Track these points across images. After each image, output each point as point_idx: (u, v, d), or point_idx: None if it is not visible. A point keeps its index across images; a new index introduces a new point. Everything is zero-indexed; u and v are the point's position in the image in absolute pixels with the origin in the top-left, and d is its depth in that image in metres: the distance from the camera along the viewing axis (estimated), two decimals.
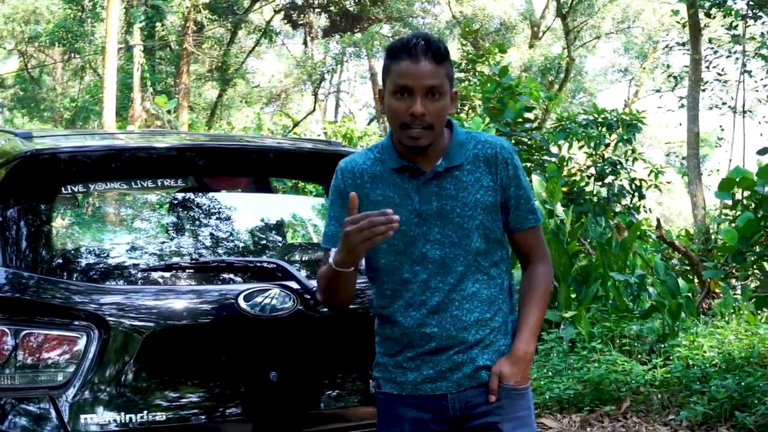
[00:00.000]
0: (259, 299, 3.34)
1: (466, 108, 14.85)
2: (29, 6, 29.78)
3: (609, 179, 13.75)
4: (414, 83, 2.66)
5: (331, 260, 2.66)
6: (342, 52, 31.54)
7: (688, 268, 10.79)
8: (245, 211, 3.96)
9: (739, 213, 9.74)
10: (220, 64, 28.71)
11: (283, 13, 30.72)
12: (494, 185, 2.80)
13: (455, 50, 28.37)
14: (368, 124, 30.26)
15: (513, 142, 12.13)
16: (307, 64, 31.91)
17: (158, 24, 25.39)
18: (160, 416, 3.17)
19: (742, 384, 6.37)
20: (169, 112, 19.04)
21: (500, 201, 2.83)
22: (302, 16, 31.09)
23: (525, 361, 2.81)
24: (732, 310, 8.50)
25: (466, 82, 14.62)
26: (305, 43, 33.23)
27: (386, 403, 2.87)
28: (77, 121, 31.33)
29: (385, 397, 2.88)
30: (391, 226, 2.49)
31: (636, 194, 13.94)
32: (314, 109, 33.52)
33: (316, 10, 30.69)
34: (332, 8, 28.92)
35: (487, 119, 12.39)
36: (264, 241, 4.00)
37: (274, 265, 3.49)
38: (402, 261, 2.78)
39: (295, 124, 27.55)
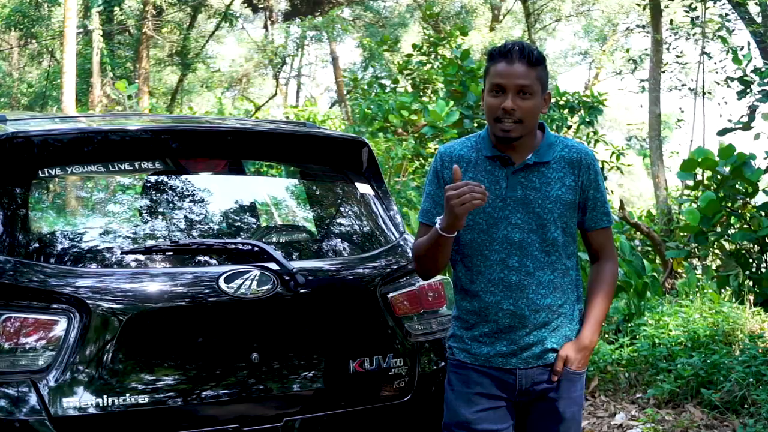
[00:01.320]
0: (239, 281, 3.35)
1: (429, 91, 14.85)
2: None
3: None
4: (506, 82, 2.99)
5: (437, 226, 2.95)
6: (303, 36, 31.40)
7: (650, 248, 10.92)
8: (222, 193, 3.95)
9: (700, 193, 9.86)
10: (180, 49, 28.44)
11: None
12: (575, 186, 3.11)
13: (416, 33, 28.35)
14: (330, 108, 30.20)
15: (475, 125, 12.16)
16: (268, 49, 31.71)
17: (116, 8, 25.09)
18: (142, 399, 3.17)
19: (708, 361, 6.47)
20: (129, 97, 18.90)
21: (579, 201, 3.13)
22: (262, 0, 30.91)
23: (588, 349, 3.14)
24: (696, 290, 8.62)
25: (428, 66, 14.60)
26: (266, 27, 33.02)
27: (458, 368, 3.18)
28: (35, 107, 30.93)
29: (458, 363, 3.18)
30: (485, 194, 2.85)
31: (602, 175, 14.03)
32: (276, 94, 33.33)
33: None
34: None
35: (451, 102, 12.41)
36: (242, 223, 4.00)
37: (254, 247, 3.50)
38: (483, 239, 3.09)
39: (257, 109, 27.36)
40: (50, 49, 29.65)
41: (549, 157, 3.10)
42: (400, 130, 12.70)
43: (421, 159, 12.49)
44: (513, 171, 3.08)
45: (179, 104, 29.65)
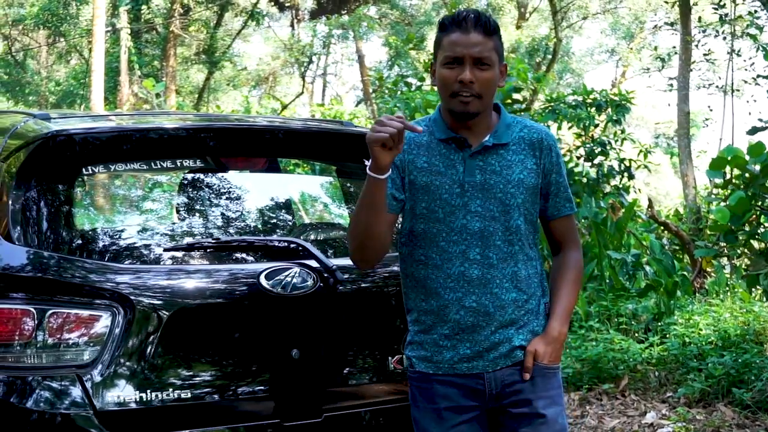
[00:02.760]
0: (280, 278, 3.38)
1: None
2: None
3: (598, 160, 13.79)
4: (463, 52, 2.78)
5: (368, 169, 2.72)
6: (329, 35, 31.46)
7: (678, 247, 10.87)
8: (260, 191, 3.99)
9: (730, 192, 9.80)
10: (206, 47, 28.56)
11: None
12: (537, 169, 2.91)
13: None
14: (356, 106, 30.23)
15: None
16: (295, 47, 31.79)
17: (144, 7, 25.23)
18: (185, 393, 3.21)
19: (739, 361, 6.46)
20: (157, 95, 19.00)
21: (540, 185, 2.94)
22: None
23: (558, 341, 2.92)
24: (726, 289, 8.59)
25: None
26: (292, 25, 33.10)
27: (420, 381, 2.93)
28: (63, 105, 31.16)
29: (419, 376, 2.94)
30: (399, 119, 2.63)
31: (625, 174, 13.99)
32: (302, 92, 33.42)
33: None
34: None
35: None
36: (280, 221, 4.04)
37: (295, 244, 3.53)
38: (440, 229, 2.87)
39: (284, 107, 27.45)
40: (78, 48, 29.84)
41: (508, 138, 2.90)
42: None
43: None
44: (470, 154, 2.86)
45: (206, 103, 29.79)
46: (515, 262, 2.89)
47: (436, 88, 2.94)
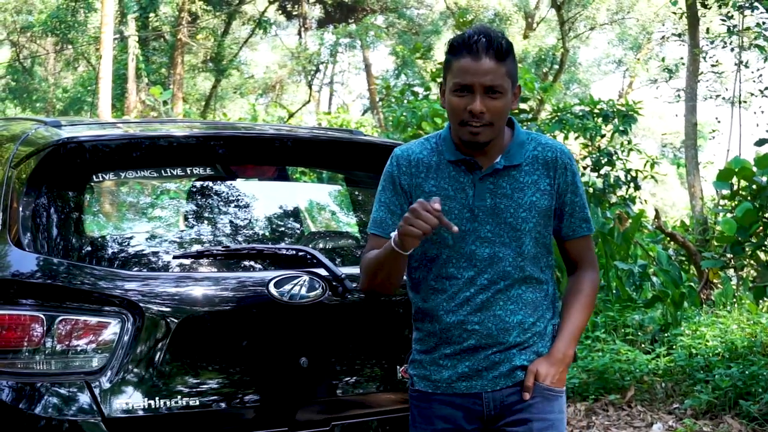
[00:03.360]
0: (288, 286, 3.38)
1: None
2: None
3: (605, 170, 13.79)
4: (474, 81, 2.65)
5: (392, 239, 2.63)
6: (336, 43, 31.52)
7: (685, 258, 10.86)
8: (268, 199, 4.00)
9: (737, 203, 9.80)
10: (214, 55, 28.64)
11: (277, 3, 30.66)
12: (551, 189, 2.80)
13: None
14: (362, 115, 30.28)
15: None
16: (302, 55, 31.85)
17: (152, 14, 25.31)
18: (193, 401, 3.21)
19: (746, 373, 6.44)
20: (164, 103, 19.01)
21: (555, 206, 2.83)
22: (296, 6, 31.02)
23: (563, 363, 2.80)
24: (733, 300, 8.57)
25: None
26: (299, 34, 33.18)
27: (419, 400, 2.87)
28: (70, 111, 31.24)
29: (418, 395, 2.88)
30: (436, 214, 2.51)
31: (632, 185, 13.99)
32: (309, 101, 33.48)
33: (311, 1, 30.65)
34: None
35: None
36: (288, 229, 4.04)
37: (303, 253, 3.54)
38: (450, 255, 2.77)
39: (290, 115, 27.54)
40: (86, 55, 29.93)
41: (520, 159, 2.77)
42: None
43: None
44: (480, 177, 2.75)
45: (212, 110, 29.85)
46: (523, 287, 2.79)
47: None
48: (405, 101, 14.45)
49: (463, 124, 2.69)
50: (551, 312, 2.87)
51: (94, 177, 3.51)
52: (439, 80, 15.00)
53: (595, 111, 13.70)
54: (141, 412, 3.14)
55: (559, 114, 13.82)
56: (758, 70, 13.55)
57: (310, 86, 34.22)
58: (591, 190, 13.28)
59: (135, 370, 3.16)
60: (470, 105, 2.66)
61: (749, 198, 9.54)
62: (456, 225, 2.66)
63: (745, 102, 14.91)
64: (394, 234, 2.64)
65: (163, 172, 3.60)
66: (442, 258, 2.79)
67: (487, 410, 2.79)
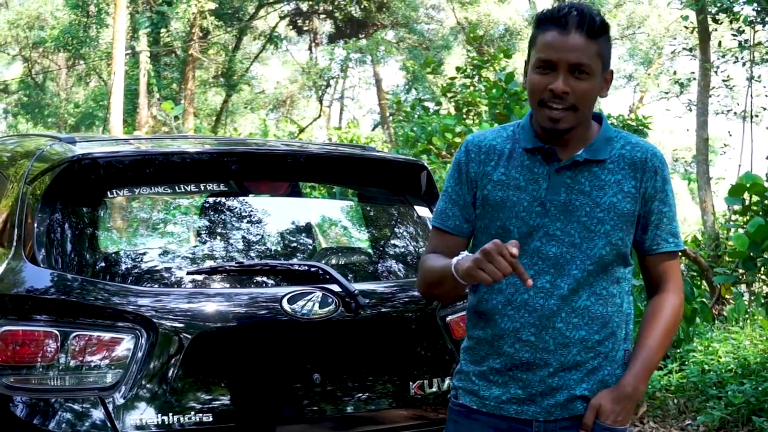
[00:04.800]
0: (302, 302, 3.39)
1: (472, 114, 14.89)
2: (33, 12, 29.85)
3: None
4: (559, 57, 2.35)
5: (453, 268, 2.33)
6: (347, 58, 31.61)
7: (696, 274, 10.83)
8: (283, 214, 4.01)
9: (748, 218, 9.78)
10: (225, 70, 28.75)
11: (288, 19, 30.78)
12: (636, 193, 2.47)
13: (459, 56, 28.39)
14: (373, 130, 30.33)
15: None
16: (312, 71, 31.96)
17: (163, 30, 25.43)
18: (206, 417, 3.21)
19: (759, 389, 6.41)
20: (176, 118, 19.09)
21: (639, 213, 2.49)
22: (307, 22, 31.16)
23: (632, 399, 2.43)
24: (745, 316, 8.54)
25: (472, 88, 14.65)
26: (310, 49, 33.31)
27: (461, 415, 2.56)
28: (82, 127, 31.37)
29: (461, 410, 2.57)
30: (511, 260, 2.18)
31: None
32: (319, 116, 33.58)
33: (321, 16, 30.76)
34: (337, 14, 28.98)
35: (495, 125, 12.43)
36: (301, 245, 4.05)
37: (316, 269, 3.54)
38: None
39: (301, 130, 27.59)
40: (98, 70, 30.08)
41: (605, 155, 2.46)
42: (443, 153, 12.74)
43: None
44: (557, 169, 2.45)
45: (223, 125, 29.95)
46: (592, 296, 2.45)
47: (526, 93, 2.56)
48: (415, 116, 14.48)
49: (542, 104, 2.39)
50: (623, 331, 2.52)
51: (108, 193, 3.52)
52: (450, 94, 14.94)
53: None
54: (154, 428, 3.14)
55: None
56: None
57: (320, 101, 34.33)
58: None
59: (148, 385, 3.17)
60: (552, 83, 2.36)
61: (761, 213, 9.53)
62: (524, 217, 2.45)
63: (756, 117, 14.91)
64: (456, 261, 2.33)
65: (176, 188, 3.62)
66: None
67: None
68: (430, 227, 2.68)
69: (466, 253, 2.36)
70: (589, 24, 2.35)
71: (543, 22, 2.41)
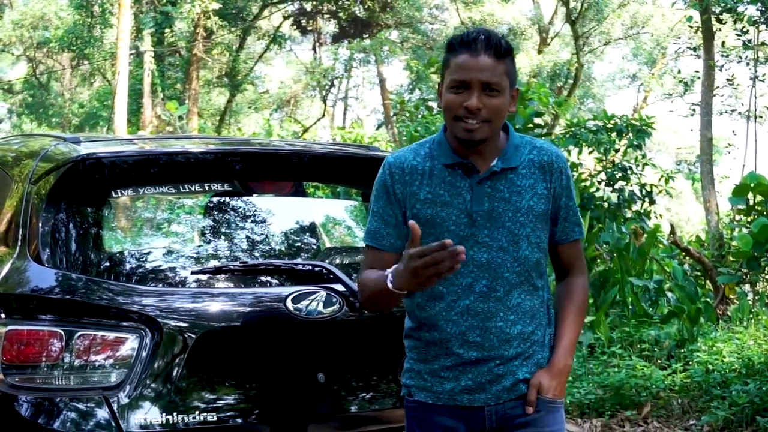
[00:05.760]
0: (306, 302, 3.39)
1: None
2: (38, 12, 29.85)
3: (619, 185, 13.76)
4: (471, 77, 2.59)
5: (389, 282, 2.50)
6: (351, 58, 31.62)
7: (700, 273, 10.82)
8: (287, 214, 4.02)
9: (752, 218, 9.77)
10: (229, 70, 28.76)
11: (292, 19, 30.79)
12: (547, 193, 2.74)
13: None
14: (376, 130, 30.34)
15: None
16: (316, 71, 31.96)
17: (167, 30, 25.44)
18: (210, 417, 3.22)
19: (763, 389, 6.40)
20: (180, 118, 19.10)
21: (551, 210, 2.76)
22: (311, 22, 31.16)
23: (563, 374, 2.76)
24: (749, 316, 8.54)
25: None
26: (314, 49, 33.33)
27: (419, 411, 2.78)
28: (86, 127, 31.40)
29: (418, 405, 2.78)
30: (457, 260, 2.33)
31: (647, 200, 13.95)
32: (323, 115, 33.59)
33: (325, 16, 30.77)
34: (341, 14, 28.98)
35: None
36: (305, 245, 4.06)
37: (320, 268, 3.55)
38: None
39: (305, 130, 27.61)
40: (102, 70, 30.10)
41: (517, 162, 2.70)
42: None
43: None
44: (478, 180, 2.67)
45: (227, 125, 29.95)
46: (522, 294, 2.72)
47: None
48: (419, 116, 14.46)
49: (458, 119, 2.62)
50: (547, 319, 2.81)
51: (112, 193, 3.54)
52: None
53: (609, 126, 13.68)
54: (159, 428, 3.15)
55: (573, 129, 13.81)
56: None
57: (324, 101, 34.35)
58: (606, 204, 13.25)
59: (153, 385, 3.17)
60: (467, 101, 2.59)
61: (765, 213, 9.52)
62: (454, 230, 2.65)
63: (760, 117, 14.90)
64: (389, 273, 2.51)
65: (180, 188, 3.63)
66: None
67: (489, 423, 2.73)
68: (364, 246, 2.82)
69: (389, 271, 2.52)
70: (495, 46, 2.60)
71: (454, 46, 2.65)
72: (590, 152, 13.83)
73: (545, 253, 2.80)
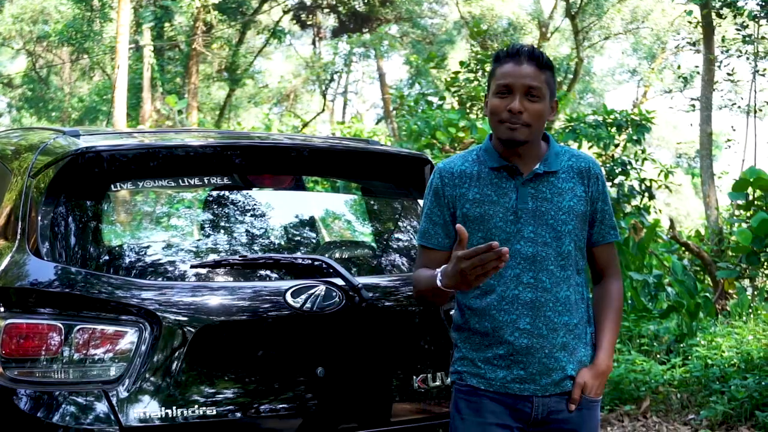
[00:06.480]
0: (305, 296, 3.39)
1: (476, 108, 14.87)
2: (37, 6, 29.80)
3: (619, 179, 13.76)
4: (514, 82, 2.87)
5: (438, 281, 2.77)
6: (350, 53, 31.58)
7: (699, 268, 10.82)
8: (286, 208, 4.01)
9: (752, 213, 9.77)
10: (228, 65, 28.72)
11: (291, 13, 30.75)
12: (585, 196, 2.99)
13: (463, 50, 28.36)
14: (376, 124, 30.30)
15: None
16: (316, 65, 31.93)
17: (167, 24, 25.41)
18: (209, 411, 3.22)
19: (762, 383, 6.41)
20: (179, 112, 19.09)
21: (588, 212, 3.01)
22: (311, 16, 31.12)
23: (605, 375, 2.99)
24: (748, 311, 8.53)
25: (475, 83, 14.60)
26: (314, 43, 33.28)
27: (469, 394, 2.98)
28: (85, 121, 31.37)
29: (469, 389, 2.98)
30: (503, 259, 2.59)
31: (646, 194, 13.94)
32: (323, 110, 33.55)
33: (325, 10, 30.73)
34: (341, 9, 28.95)
35: None
36: (305, 239, 4.05)
37: (320, 262, 3.55)
38: None
39: (304, 125, 27.59)
40: (101, 65, 30.07)
41: (557, 167, 2.98)
42: (447, 147, 12.72)
43: None
44: (522, 182, 2.95)
45: (227, 120, 29.92)
46: (566, 287, 2.95)
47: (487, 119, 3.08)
48: (419, 111, 14.45)
49: (502, 122, 2.88)
50: (587, 315, 3.03)
51: (112, 186, 3.53)
52: (453, 89, 14.90)
53: (609, 120, 13.68)
54: (158, 422, 3.15)
55: (572, 124, 13.80)
56: None
57: (324, 96, 34.30)
58: None
59: (152, 379, 3.18)
60: (510, 104, 2.86)
61: (765, 208, 9.51)
62: (501, 227, 2.92)
63: (760, 111, 14.88)
64: (439, 273, 2.78)
65: (180, 181, 3.62)
66: None
67: (534, 413, 2.93)
68: (418, 245, 3.08)
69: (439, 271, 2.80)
70: (538, 58, 2.91)
71: (500, 57, 2.95)
72: (590, 147, 13.82)
73: (583, 253, 3.03)
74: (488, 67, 14.81)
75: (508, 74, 2.88)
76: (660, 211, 15.08)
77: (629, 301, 8.93)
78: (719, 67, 14.51)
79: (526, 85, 2.87)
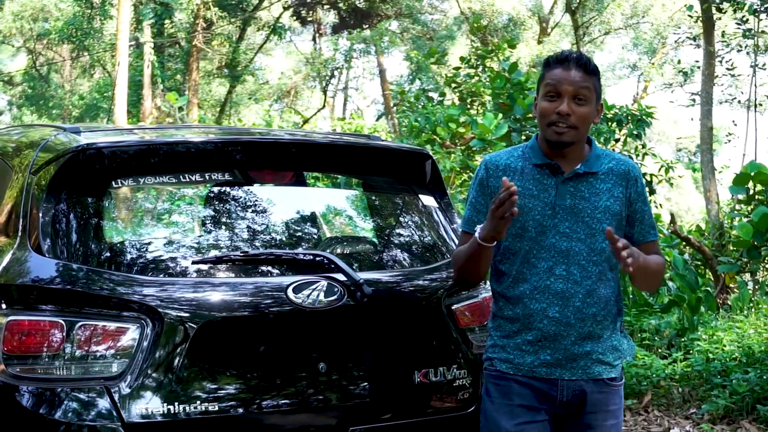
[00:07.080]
0: (307, 291, 3.40)
1: (476, 104, 14.86)
2: (38, 3, 29.82)
3: None
4: (563, 87, 3.03)
5: (477, 235, 2.98)
6: (351, 49, 31.57)
7: (700, 263, 10.82)
8: (287, 204, 4.01)
9: (753, 207, 9.76)
10: (229, 61, 28.71)
11: (292, 9, 30.74)
12: (623, 198, 3.13)
13: (463, 46, 28.34)
14: (377, 120, 30.32)
15: (523, 138, 12.13)
16: (316, 61, 31.91)
17: (167, 21, 25.40)
18: (212, 407, 3.22)
19: (764, 377, 6.42)
20: (180, 109, 19.07)
21: (626, 213, 3.15)
22: (311, 12, 31.12)
23: (642, 257, 2.95)
24: (750, 305, 8.54)
25: (476, 79, 14.58)
26: (314, 39, 33.27)
27: (499, 379, 3.15)
28: (86, 118, 31.38)
29: (499, 374, 3.15)
30: (511, 191, 2.81)
31: (647, 189, 13.91)
32: (323, 106, 33.54)
33: (325, 6, 30.72)
34: (341, 5, 28.93)
35: (500, 115, 12.40)
36: (306, 234, 4.05)
37: (322, 258, 3.55)
38: (531, 247, 3.09)
39: (305, 121, 27.58)
40: (102, 62, 30.07)
41: (597, 168, 3.13)
42: (447, 143, 12.72)
43: (468, 172, 12.50)
44: (563, 180, 3.10)
45: (227, 116, 29.93)
46: (596, 281, 3.09)
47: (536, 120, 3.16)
48: (419, 106, 14.44)
49: (551, 124, 3.05)
50: (617, 308, 3.18)
51: (112, 183, 3.52)
52: (454, 85, 14.87)
53: (609, 115, 13.66)
54: (160, 418, 3.15)
55: None
56: None
57: (324, 92, 34.31)
58: None
59: (154, 375, 3.18)
60: (558, 107, 3.02)
61: (765, 202, 9.52)
62: (539, 220, 3.08)
63: (760, 105, 14.88)
64: (478, 228, 3.00)
65: (181, 177, 3.62)
66: (524, 250, 3.10)
67: (560, 396, 3.09)
68: (460, 231, 3.28)
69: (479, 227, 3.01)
70: (585, 64, 3.06)
71: (550, 63, 3.11)
72: None
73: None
74: (488, 63, 14.87)
75: (558, 79, 3.04)
76: (661, 205, 15.08)
77: (631, 296, 8.93)
78: (719, 61, 14.51)
79: (574, 89, 3.02)
